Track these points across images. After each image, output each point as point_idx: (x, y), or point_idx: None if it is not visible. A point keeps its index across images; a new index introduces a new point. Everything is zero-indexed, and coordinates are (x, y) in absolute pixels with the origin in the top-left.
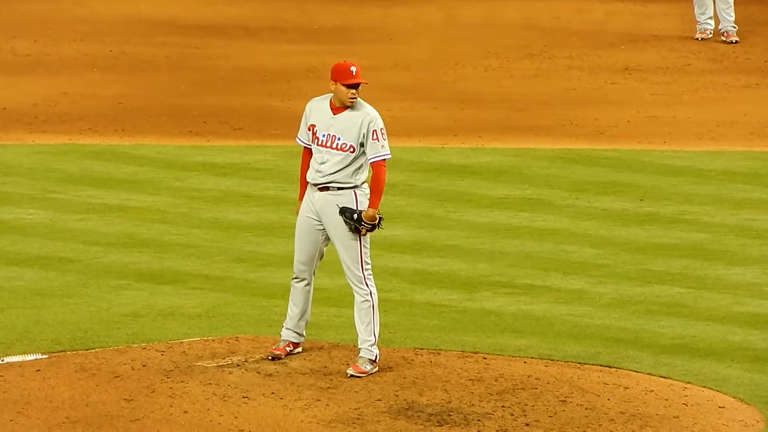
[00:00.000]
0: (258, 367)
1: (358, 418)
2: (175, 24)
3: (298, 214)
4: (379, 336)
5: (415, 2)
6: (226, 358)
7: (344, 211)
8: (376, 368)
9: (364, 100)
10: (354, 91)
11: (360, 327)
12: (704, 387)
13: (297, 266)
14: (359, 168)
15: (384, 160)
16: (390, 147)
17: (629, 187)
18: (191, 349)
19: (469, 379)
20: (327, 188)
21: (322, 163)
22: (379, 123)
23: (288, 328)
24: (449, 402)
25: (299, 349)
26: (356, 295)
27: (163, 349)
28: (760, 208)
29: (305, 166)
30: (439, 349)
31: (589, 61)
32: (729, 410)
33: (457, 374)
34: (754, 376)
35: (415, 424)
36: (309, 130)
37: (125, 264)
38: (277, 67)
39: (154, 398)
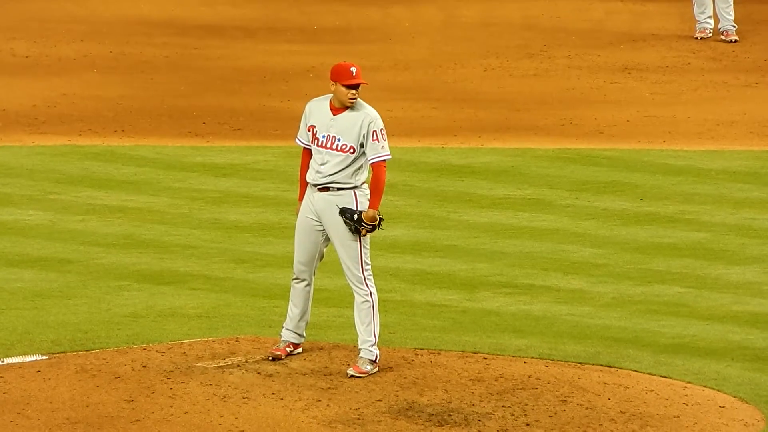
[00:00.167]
0: (258, 367)
1: (359, 419)
2: (175, 24)
3: (297, 214)
4: (379, 336)
5: (415, 2)
6: (227, 359)
7: (344, 212)
8: (377, 368)
9: (364, 101)
10: (354, 91)
11: (360, 327)
12: (704, 386)
13: (297, 267)
14: (359, 168)
15: (384, 160)
16: (390, 147)
17: (629, 186)
18: (191, 350)
19: (470, 379)
20: (327, 189)
21: (322, 164)
22: (379, 123)
23: (288, 329)
24: (450, 402)
25: (299, 350)
26: (356, 296)
27: (164, 350)
28: (760, 208)
29: (305, 167)
30: (440, 350)
31: (588, 60)
32: (729, 409)
33: (458, 374)
34: (754, 375)
35: (416, 424)
36: (309, 130)
37: (125, 265)
38: (277, 68)
39: (155, 399)
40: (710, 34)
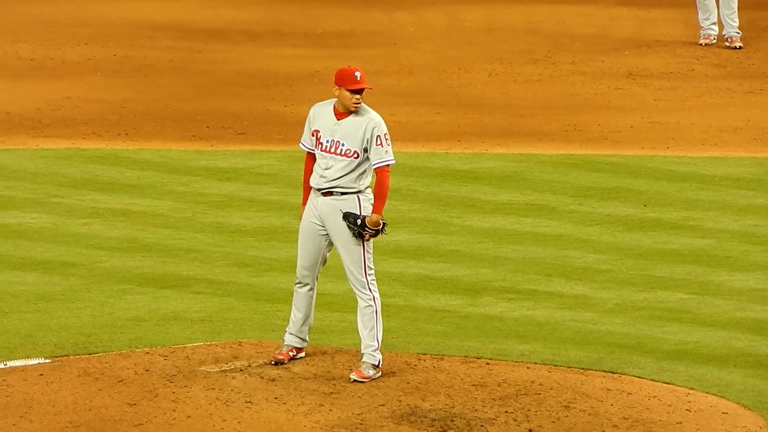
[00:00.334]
0: (261, 372)
1: (361, 424)
2: (179, 28)
3: (301, 219)
4: (382, 341)
5: (419, 7)
6: (229, 363)
7: (348, 216)
8: (380, 373)
9: (368, 105)
10: (358, 96)
11: (363, 332)
12: (707, 393)
13: (300, 271)
14: (363, 173)
15: (388, 165)
16: (394, 152)
17: (633, 192)
18: (194, 354)
19: (472, 385)
20: (330, 193)
21: (326, 169)
22: (383, 128)
23: (291, 333)
24: (452, 407)
25: (302, 354)
26: (359, 300)
27: (166, 354)
28: (764, 214)
29: (308, 171)
30: (442, 355)
31: (592, 66)
32: (732, 416)
33: (461, 379)
34: (757, 381)
35: (418, 429)
36: (312, 135)
37: (128, 268)
38: (281, 72)
39: (157, 403)
40: (714, 41)
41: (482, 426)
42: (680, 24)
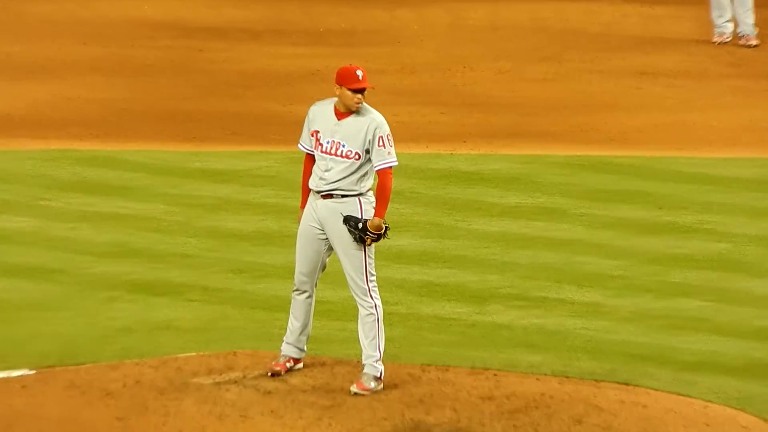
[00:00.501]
0: (257, 384)
1: None
2: (179, 27)
3: (299, 222)
4: (384, 351)
5: (421, 4)
6: (223, 375)
7: (348, 220)
8: (381, 385)
9: (370, 105)
10: (360, 95)
11: (364, 342)
12: (726, 405)
13: (298, 277)
14: (364, 175)
15: (390, 167)
16: (396, 153)
17: (644, 195)
18: (186, 365)
19: (480, 398)
20: (330, 196)
21: (326, 171)
22: (386, 129)
23: (288, 343)
24: (458, 422)
25: (300, 365)
26: (360, 308)
27: (157, 365)
28: None
29: (307, 173)
30: (448, 366)
31: (602, 65)
32: (752, 430)
33: (467, 392)
34: None
35: None
36: (312, 135)
37: (117, 275)
38: (282, 71)
39: (147, 417)
40: (729, 39)
41: None
42: (693, 22)
